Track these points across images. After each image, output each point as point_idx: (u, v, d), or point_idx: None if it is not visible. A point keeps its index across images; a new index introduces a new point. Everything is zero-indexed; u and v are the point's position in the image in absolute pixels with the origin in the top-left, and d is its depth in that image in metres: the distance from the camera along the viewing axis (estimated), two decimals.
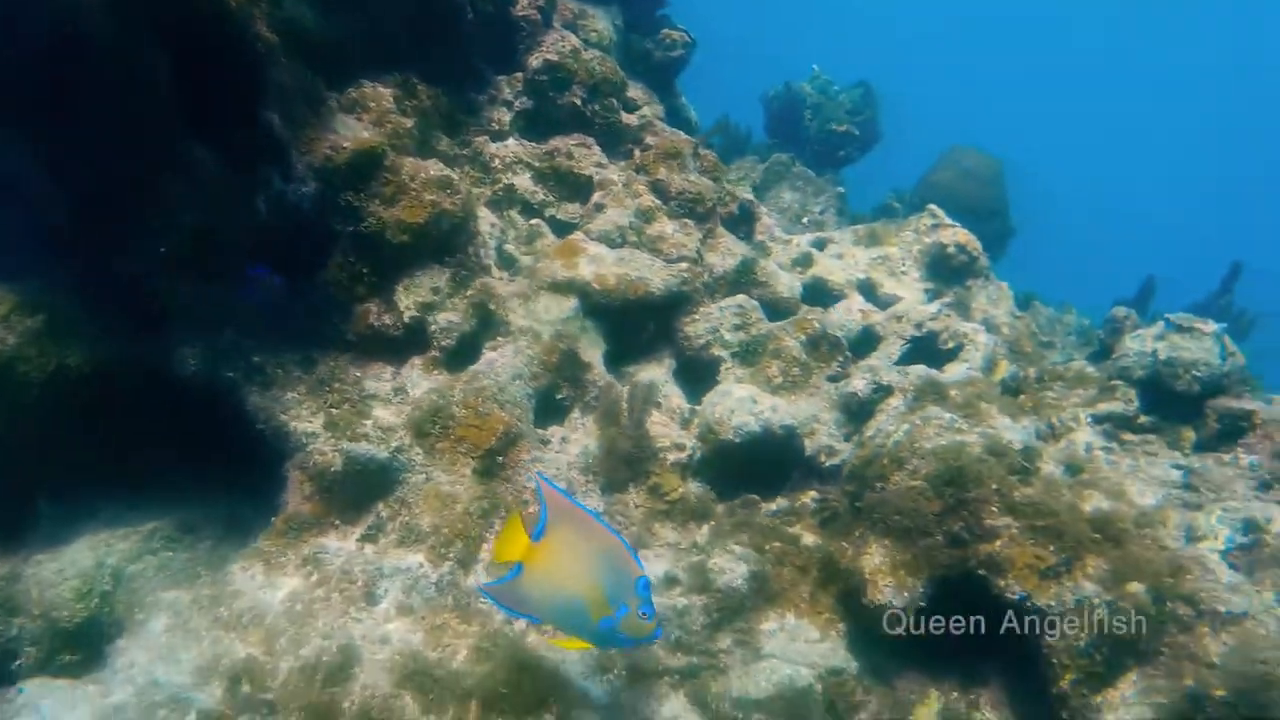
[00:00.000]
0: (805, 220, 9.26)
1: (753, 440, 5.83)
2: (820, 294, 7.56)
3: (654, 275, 6.43)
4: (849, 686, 4.83)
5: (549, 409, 6.08)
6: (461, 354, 5.93)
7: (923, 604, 4.80)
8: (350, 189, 5.68)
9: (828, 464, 5.86)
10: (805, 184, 9.66)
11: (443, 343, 5.85)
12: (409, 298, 5.84)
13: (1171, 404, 5.09)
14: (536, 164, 7.33)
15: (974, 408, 5.58)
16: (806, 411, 6.03)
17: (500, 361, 5.90)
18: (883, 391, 5.92)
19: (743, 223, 8.19)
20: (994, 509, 4.78)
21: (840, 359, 6.41)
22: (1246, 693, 3.52)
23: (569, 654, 4.87)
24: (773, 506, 5.85)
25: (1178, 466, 4.98)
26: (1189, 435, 5.07)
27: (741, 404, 5.89)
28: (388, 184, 5.78)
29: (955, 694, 5.11)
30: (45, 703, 4.72)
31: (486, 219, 6.70)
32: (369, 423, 5.49)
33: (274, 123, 5.48)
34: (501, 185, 7.13)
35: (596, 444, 5.93)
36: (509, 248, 6.68)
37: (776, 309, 6.96)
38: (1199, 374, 4.96)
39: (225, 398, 5.59)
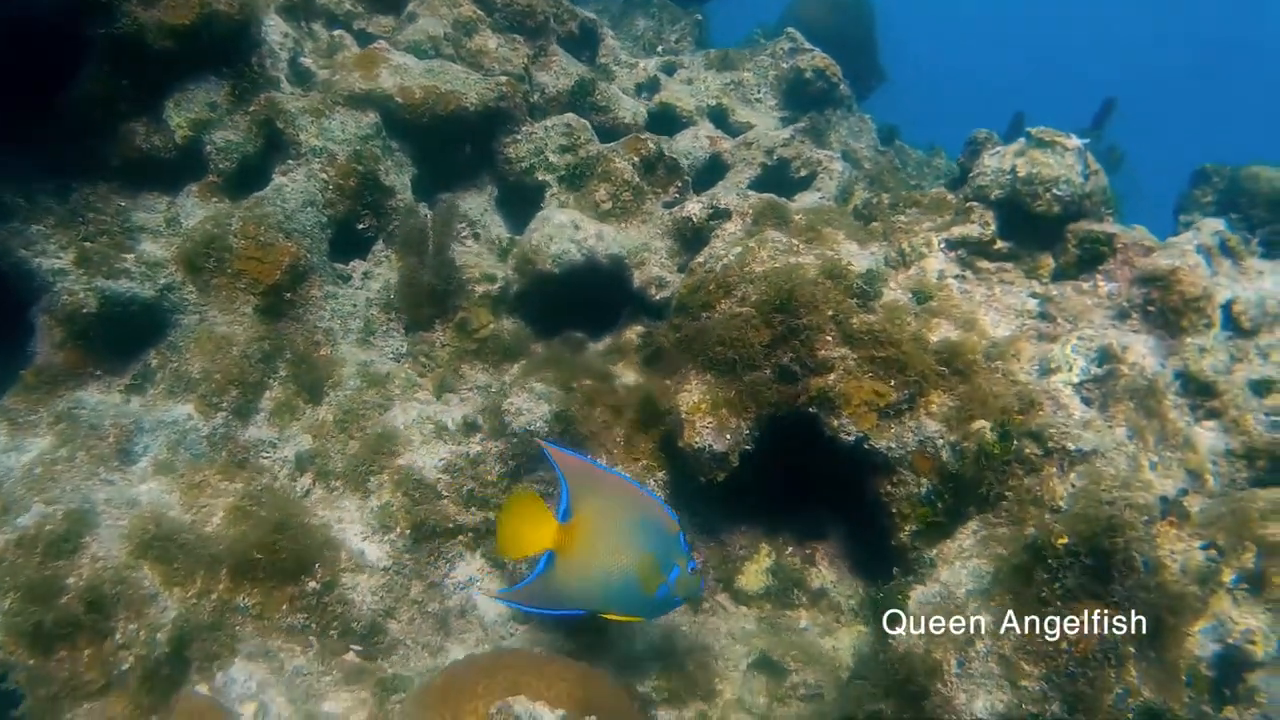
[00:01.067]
0: (660, 49, 8.46)
1: (574, 271, 5.17)
2: (668, 122, 6.84)
3: (469, 89, 5.62)
4: None
5: (350, 241, 5.31)
6: (245, 179, 5.09)
7: (749, 448, 4.25)
8: None
9: (659, 297, 5.24)
10: (661, 11, 8.83)
11: (221, 165, 5.02)
12: (180, 115, 4.96)
13: (1030, 228, 4.57)
14: None
15: (817, 232, 4.99)
16: (636, 239, 5.36)
17: (290, 187, 5.08)
18: (720, 216, 5.28)
19: (585, 46, 7.38)
20: (829, 338, 4.22)
21: (679, 184, 5.73)
22: (1090, 539, 3.04)
23: (343, 514, 4.24)
24: (600, 347, 5.22)
25: (1034, 296, 4.48)
26: (1047, 263, 4.56)
27: (561, 230, 5.20)
28: None
29: (790, 548, 4.64)
30: None
31: (279, 28, 5.77)
32: (130, 257, 4.66)
33: None
34: None
35: (399, 277, 5.20)
36: (305, 61, 5.77)
37: (618, 137, 6.23)
38: (1060, 193, 4.42)
39: None
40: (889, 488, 4.13)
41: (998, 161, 4.63)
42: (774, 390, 4.25)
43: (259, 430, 4.57)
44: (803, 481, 4.59)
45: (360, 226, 5.34)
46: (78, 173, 4.81)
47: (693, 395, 4.29)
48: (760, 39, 9.65)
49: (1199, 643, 3.27)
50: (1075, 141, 4.44)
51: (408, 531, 4.19)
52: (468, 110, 5.62)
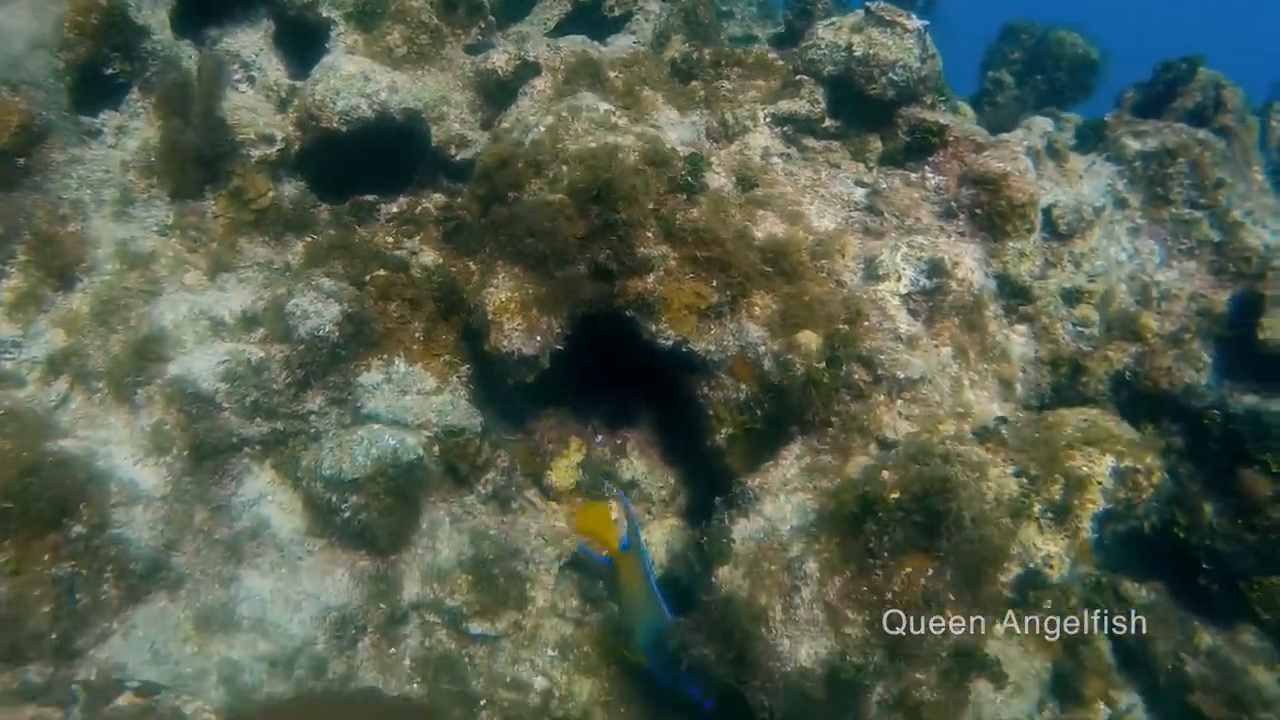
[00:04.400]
0: None
1: (364, 127, 4.62)
2: None
3: None
4: (472, 447, 4.01)
5: (96, 89, 4.54)
6: None
7: (560, 347, 3.97)
8: None
9: (459, 158, 4.76)
10: None
11: None
12: None
13: (861, 109, 4.32)
14: None
15: (635, 97, 4.61)
16: (434, 91, 4.81)
17: (11, 23, 4.27)
18: (529, 70, 4.79)
19: None
20: (649, 234, 3.92)
21: (481, 25, 5.16)
22: (923, 499, 2.96)
23: (109, 435, 3.76)
24: (392, 209, 4.74)
25: (861, 185, 4.28)
26: (875, 145, 4.36)
27: (350, 83, 4.61)
28: None
29: (600, 436, 4.46)
30: None
31: None
32: None
33: None
34: None
35: (160, 139, 4.54)
36: None
37: None
38: (895, 77, 4.17)
39: None
40: (706, 390, 3.97)
41: (833, 35, 4.31)
42: (588, 287, 3.95)
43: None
44: (612, 366, 4.38)
45: (109, 72, 4.58)
46: None
47: (500, 293, 3.94)
48: None
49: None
50: (915, 23, 4.16)
51: (185, 452, 3.76)
52: None
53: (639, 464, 4.44)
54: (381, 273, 4.14)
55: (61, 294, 4.07)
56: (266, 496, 3.85)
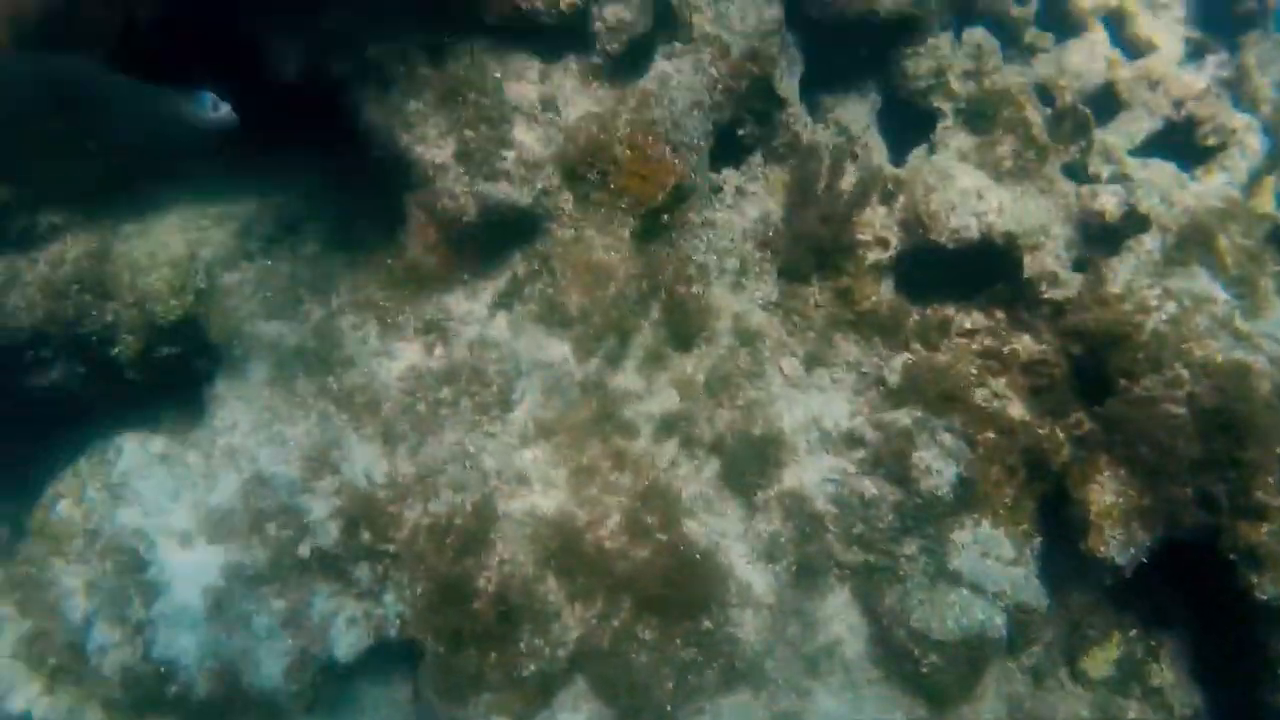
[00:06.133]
0: None
1: (966, 248, 4.74)
2: (1058, 14, 5.92)
3: None
4: (1035, 626, 4.27)
5: (724, 144, 4.84)
6: (629, 61, 4.55)
7: (1144, 560, 4.12)
8: None
9: (1047, 294, 4.79)
10: None
11: (609, 46, 4.46)
12: None
13: None
14: None
15: (1250, 284, 4.55)
16: (1034, 217, 4.80)
17: (676, 80, 4.57)
18: (1136, 224, 4.75)
19: None
20: (1271, 480, 3.96)
21: (1081, 143, 5.11)
22: None
23: (725, 526, 4.19)
24: (967, 323, 4.82)
25: None
26: None
27: (965, 199, 4.70)
28: None
29: (1134, 631, 4.53)
30: (144, 486, 4.04)
31: None
32: (510, 155, 4.27)
33: None
34: None
35: (781, 210, 4.81)
36: None
37: (1003, 27, 5.51)
38: None
39: (336, 96, 4.31)
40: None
41: None
42: (1191, 515, 4.05)
43: (627, 379, 4.40)
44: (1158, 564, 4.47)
45: (740, 133, 4.88)
46: (449, 29, 4.32)
47: (1105, 494, 4.10)
48: None
49: None
50: None
51: (793, 566, 4.16)
52: (877, 13, 4.95)
53: (1169, 673, 4.48)
54: (992, 436, 4.32)
55: (679, 353, 4.48)
56: (840, 617, 4.22)
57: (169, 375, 4.49)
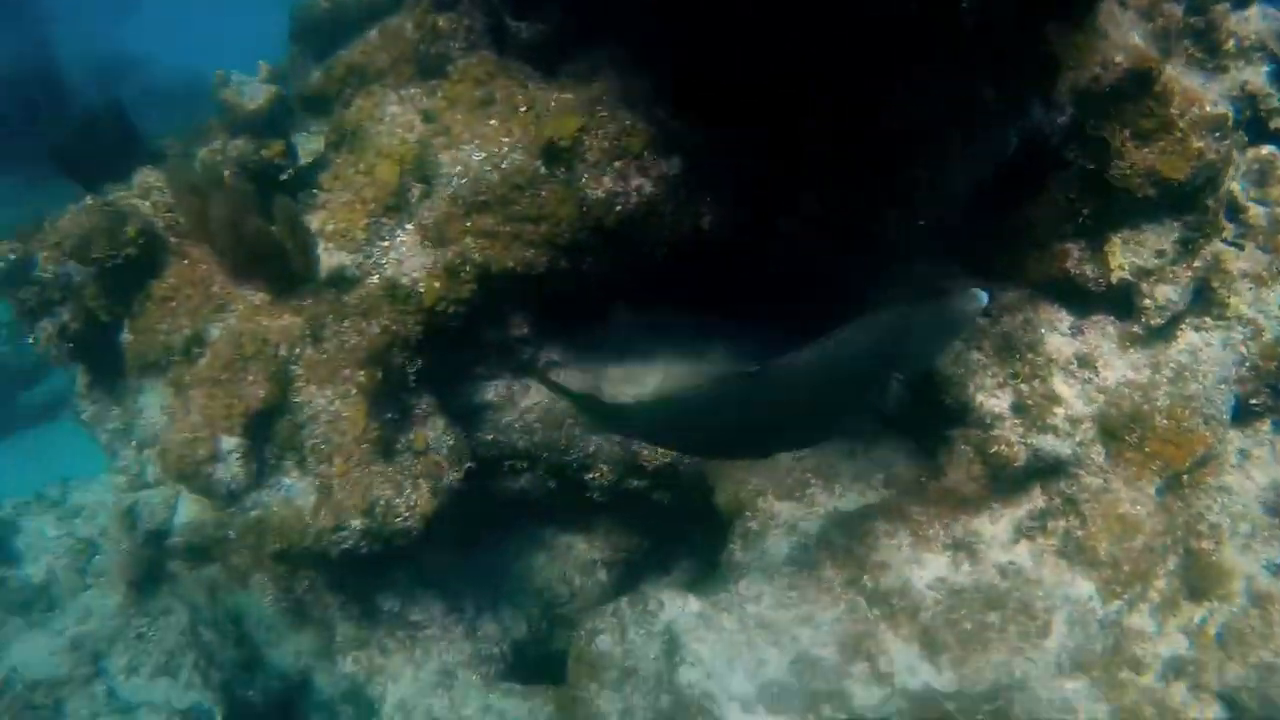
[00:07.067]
0: None
1: None
2: None
3: None
4: None
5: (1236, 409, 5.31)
6: (1162, 330, 5.05)
7: None
8: (1103, 116, 4.68)
9: None
10: None
11: (1152, 321, 4.97)
12: (1124, 256, 4.89)
13: None
14: None
15: None
16: None
17: (1207, 354, 5.05)
18: None
19: None
20: None
21: None
22: None
23: None
24: None
25: None
26: None
27: None
28: (1148, 115, 4.68)
29: None
30: (701, 648, 4.74)
31: None
32: (1060, 412, 4.86)
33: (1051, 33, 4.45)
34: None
35: None
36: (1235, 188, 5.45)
37: None
38: None
39: None
40: None
41: None
42: None
43: (1142, 619, 4.87)
44: None
45: (1253, 401, 5.30)
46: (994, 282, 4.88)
47: None
48: None
49: None
50: None
51: None
52: None
53: None
54: None
55: (1190, 603, 4.89)
56: None
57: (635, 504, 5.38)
